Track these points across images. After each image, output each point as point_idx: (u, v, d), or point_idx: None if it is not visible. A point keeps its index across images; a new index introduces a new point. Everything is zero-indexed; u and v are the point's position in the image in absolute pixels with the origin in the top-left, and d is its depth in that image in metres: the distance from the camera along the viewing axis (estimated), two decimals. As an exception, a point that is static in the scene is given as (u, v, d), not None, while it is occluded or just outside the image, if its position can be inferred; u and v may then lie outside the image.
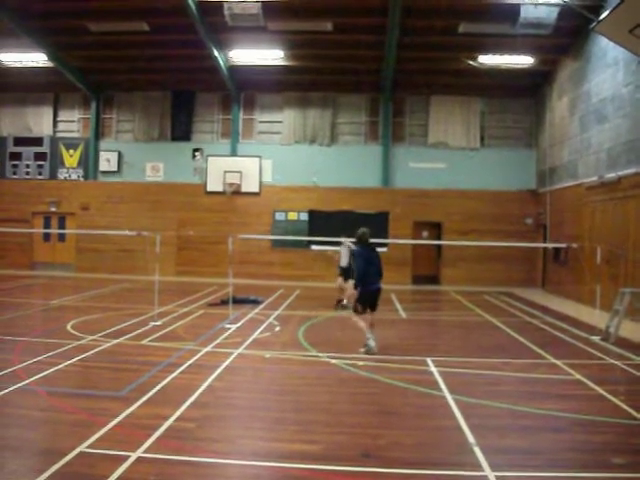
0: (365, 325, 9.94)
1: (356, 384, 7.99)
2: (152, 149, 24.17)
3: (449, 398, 7.23)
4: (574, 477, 5.00)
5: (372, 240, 10.59)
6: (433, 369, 8.79)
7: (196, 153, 23.69)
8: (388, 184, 23.17)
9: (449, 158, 23.21)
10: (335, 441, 5.77)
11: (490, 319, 14.24)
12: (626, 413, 6.74)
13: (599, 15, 13.55)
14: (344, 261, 14.94)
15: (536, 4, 16.94)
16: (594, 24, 13.12)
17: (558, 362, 9.40)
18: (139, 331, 11.21)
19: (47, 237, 24.36)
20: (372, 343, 9.76)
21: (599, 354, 10.20)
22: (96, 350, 9.42)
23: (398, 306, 16.46)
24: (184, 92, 23.94)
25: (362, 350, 9.79)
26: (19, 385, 7.19)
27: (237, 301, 14.85)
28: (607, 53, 16.18)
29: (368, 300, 10.03)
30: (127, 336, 10.67)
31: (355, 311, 10.13)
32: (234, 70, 22.28)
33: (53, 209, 24.08)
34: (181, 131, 24.03)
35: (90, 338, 10.35)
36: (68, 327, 11.45)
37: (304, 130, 23.56)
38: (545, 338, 11.85)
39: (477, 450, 5.51)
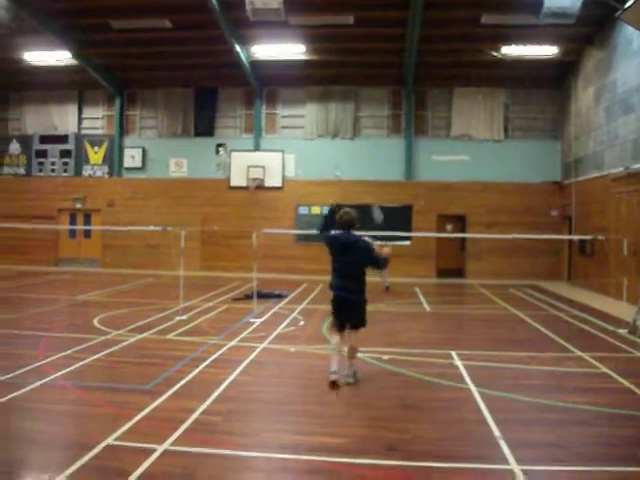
0: (335, 344, 7.45)
1: (380, 378, 7.98)
2: (176, 145, 24.33)
3: (474, 391, 7.20)
4: (601, 471, 4.96)
5: (376, 234, 8.92)
6: (458, 362, 8.75)
7: (219, 148, 23.81)
8: (411, 177, 23.09)
9: (473, 150, 23.05)
10: (360, 434, 5.77)
11: (515, 312, 14.14)
12: (654, 406, 6.67)
13: (624, 3, 13.35)
14: None
15: (560, -7, 16.73)
16: (619, 12, 12.97)
17: (584, 355, 9.31)
18: (164, 326, 11.30)
19: (73, 233, 24.64)
20: (333, 376, 7.21)
21: (626, 347, 10.09)
22: (122, 345, 9.52)
23: (422, 299, 16.43)
24: (207, 88, 24.05)
25: (345, 379, 7.48)
26: (46, 380, 7.29)
27: (261, 295, 14.90)
28: (633, 42, 15.94)
29: (336, 311, 7.52)
30: (152, 331, 10.77)
31: (330, 326, 7.81)
32: (256, 65, 22.32)
33: (78, 206, 24.35)
34: (204, 127, 24.15)
35: (116, 333, 10.46)
36: (94, 322, 11.58)
37: (326, 124, 23.55)
38: (571, 331, 11.75)
39: (503, 443, 5.48)
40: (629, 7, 12.21)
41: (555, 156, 22.82)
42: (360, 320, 7.47)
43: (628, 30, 15.54)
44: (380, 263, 7.58)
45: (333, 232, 7.57)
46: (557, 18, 17.19)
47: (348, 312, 7.41)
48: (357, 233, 7.54)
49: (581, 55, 20.29)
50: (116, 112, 24.50)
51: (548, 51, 20.26)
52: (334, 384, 7.15)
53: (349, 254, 7.33)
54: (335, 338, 7.45)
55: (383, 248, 7.62)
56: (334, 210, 7.76)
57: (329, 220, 7.75)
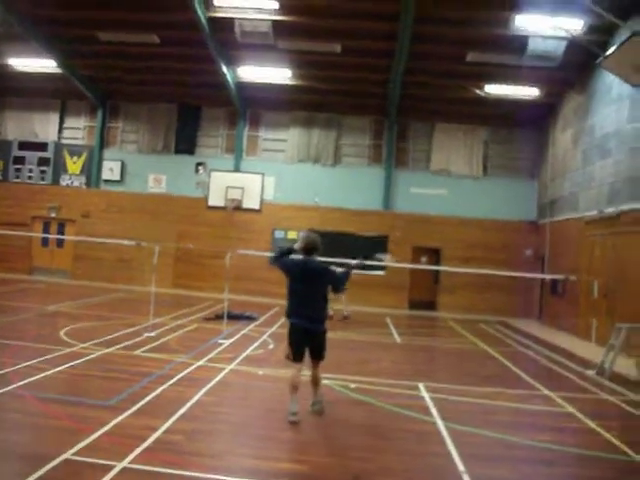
0: (291, 381, 7.00)
1: (347, 406, 7.93)
2: (155, 161, 24.21)
3: (440, 425, 7.17)
4: (564, 511, 4.95)
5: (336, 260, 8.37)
6: (425, 395, 8.73)
7: (199, 167, 23.74)
8: (389, 207, 23.20)
9: (451, 185, 23.25)
10: (324, 462, 5.71)
11: (485, 347, 14.19)
12: (618, 449, 6.68)
13: (606, 50, 13.64)
14: None
15: (544, 37, 17.07)
16: (600, 59, 13.23)
17: (552, 394, 9.34)
18: (132, 341, 11.14)
19: (45, 242, 24.30)
20: (292, 418, 6.82)
21: (593, 388, 10.15)
22: (87, 358, 9.36)
23: (393, 330, 16.42)
24: (190, 105, 24.04)
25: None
26: (7, 388, 7.14)
27: (232, 316, 14.77)
28: (612, 89, 16.27)
29: (294, 342, 7.03)
30: (120, 345, 10.61)
31: (286, 356, 7.19)
32: (241, 86, 22.40)
33: (53, 215, 24.07)
34: (185, 144, 24.09)
35: (82, 345, 10.29)
36: (61, 333, 11.39)
37: (308, 149, 23.63)
38: (539, 369, 11.81)
39: (466, 478, 5.45)
40: (610, 54, 12.45)
41: (532, 195, 23.09)
42: (322, 351, 7.17)
43: (608, 77, 15.85)
44: (341, 283, 7.48)
45: (293, 257, 7.40)
46: (540, 60, 17.58)
47: (309, 342, 7.04)
48: (319, 259, 7.35)
49: (561, 98, 20.65)
50: (98, 123, 24.36)
51: (530, 92, 20.60)
52: (294, 424, 6.79)
53: (311, 281, 7.05)
54: (292, 371, 7.05)
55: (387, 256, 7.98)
56: (292, 250, 7.47)
57: (286, 251, 7.52)
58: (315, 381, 7.21)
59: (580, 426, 7.63)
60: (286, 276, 7.26)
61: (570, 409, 8.41)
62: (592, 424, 7.64)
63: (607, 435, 7.17)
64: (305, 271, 7.08)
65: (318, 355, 7.14)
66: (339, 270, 7.47)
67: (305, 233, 7.35)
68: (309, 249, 7.15)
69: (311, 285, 7.03)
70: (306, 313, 6.99)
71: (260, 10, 17.42)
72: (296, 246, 7.28)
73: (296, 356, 6.99)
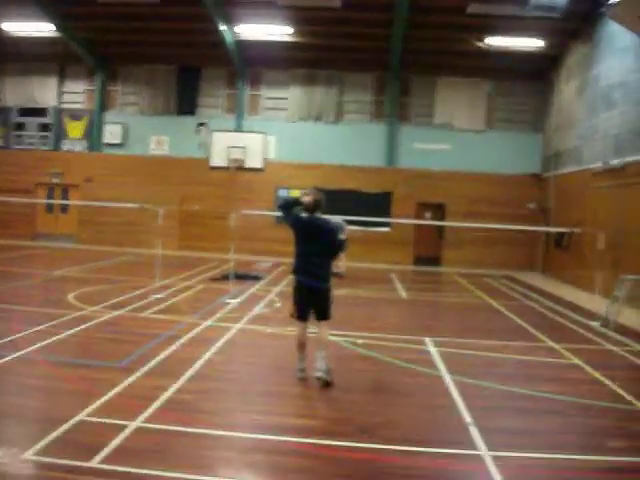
0: (297, 340, 7.06)
1: (355, 361, 8.04)
2: (157, 123, 24.07)
3: (447, 378, 7.27)
4: (570, 459, 5.04)
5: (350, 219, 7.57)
6: (431, 349, 8.82)
7: (200, 127, 23.56)
8: (392, 164, 23.10)
9: (454, 139, 23.09)
10: (333, 417, 5.82)
11: (490, 302, 14.27)
12: (622, 398, 6.77)
13: (611, 0, 13.43)
14: None
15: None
16: (605, 8, 13.04)
17: (557, 346, 9.43)
18: (140, 303, 11.24)
19: (50, 208, 24.34)
20: (300, 374, 6.97)
21: (598, 340, 10.23)
22: (97, 321, 9.46)
23: (399, 286, 16.51)
24: (190, 66, 23.80)
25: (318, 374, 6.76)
26: (19, 354, 7.23)
27: (238, 276, 14.86)
28: (616, 39, 16.03)
29: (299, 300, 7.02)
30: (128, 308, 10.71)
31: (291, 315, 7.25)
32: (241, 45, 22.13)
33: (56, 180, 24.05)
34: (186, 105, 23.91)
35: (91, 309, 10.39)
36: (69, 298, 11.50)
37: (309, 107, 23.45)
38: (544, 322, 11.89)
39: (473, 430, 5.55)
40: (615, 3, 12.28)
41: (536, 148, 22.94)
42: (327, 310, 6.97)
43: (613, 26, 15.62)
44: (343, 247, 7.47)
45: (300, 215, 7.09)
46: (544, 11, 17.23)
47: (314, 301, 6.91)
48: (324, 216, 7.17)
49: (565, 49, 20.37)
50: (97, 87, 24.16)
51: (533, 44, 20.31)
52: (302, 380, 6.90)
53: (317, 239, 6.91)
54: (297, 329, 7.06)
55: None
56: (298, 201, 7.10)
57: (292, 202, 7.22)
58: (320, 343, 6.87)
59: (585, 377, 7.72)
60: (294, 233, 7.13)
61: (575, 360, 8.50)
62: (597, 374, 7.73)
63: (612, 385, 7.26)
64: (311, 228, 6.97)
65: (323, 314, 6.93)
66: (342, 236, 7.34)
67: (310, 190, 7.15)
68: (314, 206, 6.95)
69: (316, 243, 6.89)
70: (311, 270, 6.86)
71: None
72: (303, 200, 7.02)
73: (300, 314, 6.96)
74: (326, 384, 6.68)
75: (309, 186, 8.27)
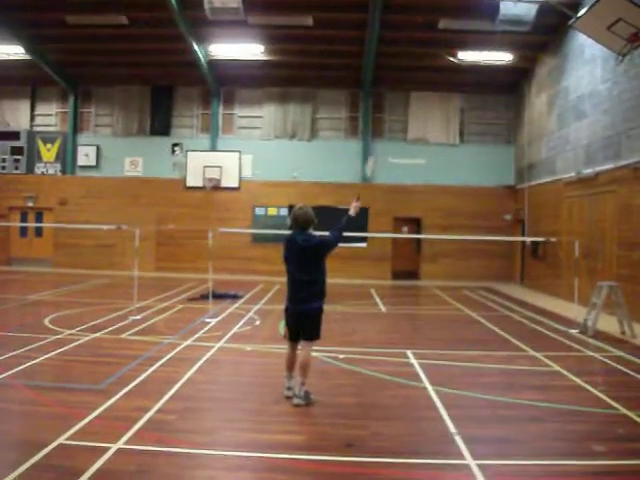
0: (285, 359, 6.93)
1: (337, 376, 7.99)
2: (131, 144, 23.95)
3: (430, 389, 7.26)
4: (556, 465, 5.04)
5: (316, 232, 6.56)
6: (414, 361, 8.81)
7: (175, 148, 23.55)
8: (368, 179, 23.19)
9: (429, 154, 23.26)
10: (317, 432, 5.78)
11: (469, 313, 14.32)
12: (605, 403, 6.81)
13: (578, 12, 13.65)
14: None
15: (516, 1, 17.00)
16: (572, 21, 13.25)
17: (537, 354, 9.48)
18: (118, 325, 11.11)
19: (24, 232, 24.03)
20: (287, 392, 6.82)
21: (577, 346, 10.31)
22: (74, 344, 9.32)
23: (378, 300, 16.51)
24: (163, 86, 23.77)
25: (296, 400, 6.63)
26: (-4, 378, 7.11)
27: (217, 296, 14.77)
28: (585, 50, 16.32)
29: (288, 322, 6.88)
30: (106, 330, 10.57)
31: (284, 336, 7.10)
32: (214, 64, 22.15)
33: (30, 204, 23.79)
34: (160, 126, 23.84)
35: (68, 332, 10.25)
36: (46, 321, 11.33)
37: (284, 125, 23.50)
38: (524, 331, 11.94)
39: (458, 439, 5.54)
40: (582, 15, 12.48)
41: (509, 161, 23.20)
42: (314, 332, 6.71)
43: (581, 38, 15.89)
44: (337, 240, 6.79)
45: (290, 235, 6.81)
46: (513, 25, 17.53)
47: (302, 324, 6.68)
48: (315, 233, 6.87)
49: (535, 62, 20.68)
50: (70, 109, 24.00)
51: (503, 57, 20.58)
52: (289, 399, 6.73)
53: (306, 258, 6.60)
54: (287, 348, 6.91)
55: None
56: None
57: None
58: (303, 367, 6.63)
59: (567, 383, 7.75)
60: (286, 254, 6.84)
61: (556, 367, 8.54)
62: (579, 381, 7.78)
63: (594, 391, 7.30)
64: (292, 249, 6.69)
65: (307, 335, 6.70)
66: (333, 230, 6.88)
67: (298, 206, 6.92)
68: (303, 224, 6.71)
69: (307, 262, 6.60)
70: (299, 296, 6.61)
71: (228, -15, 17.20)
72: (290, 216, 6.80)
73: (291, 335, 6.82)
74: (298, 404, 6.55)
75: (285, 204, 8.09)
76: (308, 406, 6.54)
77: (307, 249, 6.57)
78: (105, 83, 23.92)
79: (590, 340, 10.82)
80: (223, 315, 12.79)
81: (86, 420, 5.77)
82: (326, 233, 6.86)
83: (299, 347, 6.85)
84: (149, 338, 10.05)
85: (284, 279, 6.95)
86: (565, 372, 8.25)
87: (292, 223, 6.75)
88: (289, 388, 6.81)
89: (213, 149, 23.56)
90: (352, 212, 6.84)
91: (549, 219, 18.88)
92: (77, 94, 24.06)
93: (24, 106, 24.24)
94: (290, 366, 6.86)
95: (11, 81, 23.71)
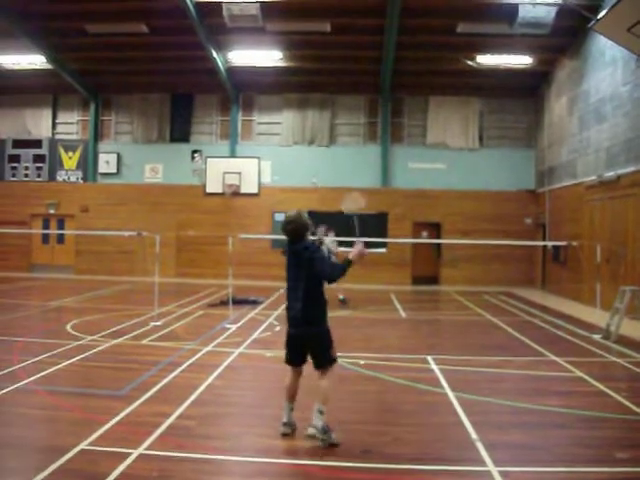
0: (285, 388, 5.90)
1: (358, 382, 7.97)
2: (151, 151, 24.16)
3: (451, 395, 7.21)
4: (578, 472, 4.98)
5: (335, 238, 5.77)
6: (434, 367, 8.77)
7: (195, 155, 23.69)
8: (387, 184, 23.15)
9: (448, 158, 23.20)
10: (338, 438, 5.74)
11: (490, 318, 14.23)
12: (628, 409, 6.72)
13: (597, 14, 13.55)
14: None
15: (534, 4, 16.93)
16: (592, 23, 13.13)
17: (559, 360, 9.38)
18: (139, 331, 11.18)
19: (46, 239, 24.31)
20: (282, 429, 5.76)
21: (600, 352, 10.19)
22: (96, 350, 9.39)
23: (398, 306, 16.46)
24: (183, 94, 23.96)
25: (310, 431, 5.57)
26: (18, 385, 7.16)
27: (237, 301, 14.82)
28: (605, 52, 16.19)
29: (286, 343, 5.89)
30: (127, 336, 10.65)
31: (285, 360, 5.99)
32: (233, 71, 22.28)
33: (52, 211, 24.06)
34: (180, 132, 24.04)
35: (90, 338, 10.33)
36: (68, 327, 11.43)
37: (303, 131, 23.56)
38: (546, 336, 11.83)
39: (480, 446, 5.49)
40: (602, 17, 12.36)
41: (529, 164, 23.06)
42: (324, 357, 5.70)
43: (601, 40, 15.77)
44: (333, 273, 5.64)
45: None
46: (531, 28, 17.44)
47: (305, 349, 5.73)
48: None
49: (555, 65, 20.56)
50: (91, 117, 24.28)
51: (522, 61, 20.50)
52: (286, 436, 5.75)
53: (300, 267, 5.70)
54: (286, 378, 5.91)
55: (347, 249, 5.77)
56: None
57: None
58: (317, 395, 5.61)
59: (590, 389, 7.66)
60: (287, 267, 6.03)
61: (579, 373, 8.45)
62: (601, 386, 7.68)
63: (617, 397, 7.20)
64: (290, 258, 5.88)
65: (318, 362, 5.71)
66: (334, 258, 6.17)
67: (288, 213, 5.92)
68: (293, 234, 5.81)
69: (301, 273, 5.69)
70: (298, 314, 5.65)
71: (247, -8, 17.30)
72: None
73: (288, 360, 5.90)
74: (326, 444, 5.45)
75: (305, 209, 7.29)
76: (326, 446, 5.44)
77: (301, 259, 5.71)
78: (125, 91, 24.17)
79: (613, 345, 10.70)
80: (243, 321, 12.82)
81: (108, 425, 5.81)
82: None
83: (301, 373, 5.93)
84: (170, 344, 10.09)
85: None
86: (588, 378, 8.15)
87: (286, 232, 5.87)
88: (286, 424, 5.78)
89: (232, 155, 23.67)
90: (351, 257, 5.60)
91: (570, 223, 18.71)
92: (98, 102, 24.33)
93: (46, 114, 24.57)
94: (290, 396, 5.88)
95: (33, 90, 24.06)
